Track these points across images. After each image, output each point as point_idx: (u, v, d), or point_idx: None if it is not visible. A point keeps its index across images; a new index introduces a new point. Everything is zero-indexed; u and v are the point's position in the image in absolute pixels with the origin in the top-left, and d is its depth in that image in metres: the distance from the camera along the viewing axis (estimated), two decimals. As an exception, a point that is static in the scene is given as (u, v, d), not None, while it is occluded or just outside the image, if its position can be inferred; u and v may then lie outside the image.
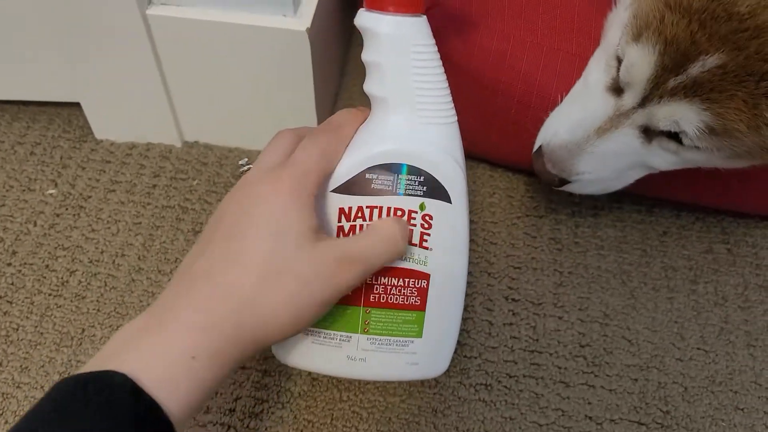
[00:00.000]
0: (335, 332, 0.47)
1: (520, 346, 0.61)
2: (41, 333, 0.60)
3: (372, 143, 0.44)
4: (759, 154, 0.50)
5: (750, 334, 0.62)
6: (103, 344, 0.59)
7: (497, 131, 0.67)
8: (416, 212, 0.44)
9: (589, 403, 0.58)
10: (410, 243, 0.45)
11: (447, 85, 0.45)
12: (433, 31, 0.62)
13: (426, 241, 0.45)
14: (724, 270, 0.66)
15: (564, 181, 0.57)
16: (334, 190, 0.44)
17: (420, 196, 0.44)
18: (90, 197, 0.70)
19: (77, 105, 0.73)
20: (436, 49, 0.44)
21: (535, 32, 0.62)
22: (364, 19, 0.43)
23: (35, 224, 0.67)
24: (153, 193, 0.70)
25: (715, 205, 0.70)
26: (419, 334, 0.47)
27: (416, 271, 0.46)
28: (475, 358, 0.60)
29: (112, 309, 0.62)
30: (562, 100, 0.59)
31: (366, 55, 0.44)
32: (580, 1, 0.62)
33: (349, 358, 0.47)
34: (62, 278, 0.64)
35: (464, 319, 0.62)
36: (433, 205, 0.44)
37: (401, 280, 0.46)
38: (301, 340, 0.47)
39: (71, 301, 0.62)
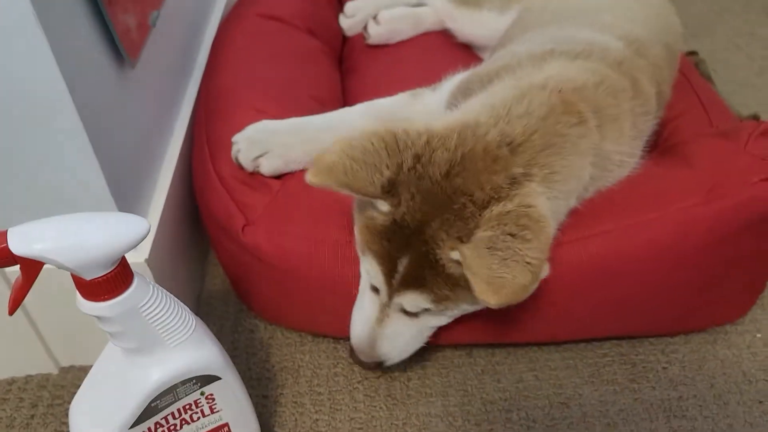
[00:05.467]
0: None
1: (366, 501, 0.69)
2: None
3: (143, 385, 0.56)
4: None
5: (557, 449, 0.73)
6: None
7: (329, 313, 0.79)
8: (200, 398, 0.61)
9: None
10: (203, 415, 0.62)
11: (176, 304, 0.57)
12: (251, 243, 0.75)
13: (214, 408, 0.62)
14: (533, 395, 0.78)
15: (380, 364, 0.72)
16: (131, 428, 0.56)
17: (198, 388, 0.59)
18: (-27, 438, 0.77)
19: (-42, 353, 0.82)
20: (158, 289, 0.55)
21: (329, 230, 0.75)
22: (88, 308, 0.52)
23: None
24: (31, 423, 0.78)
25: (523, 339, 0.82)
26: None
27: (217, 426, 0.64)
28: None
29: None
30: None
31: (105, 327, 0.54)
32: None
33: None
34: None
35: (315, 486, 0.70)
36: (209, 388, 0.60)
37: None
38: None
39: None
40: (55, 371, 0.84)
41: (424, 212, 0.59)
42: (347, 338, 0.85)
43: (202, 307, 0.91)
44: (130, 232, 0.51)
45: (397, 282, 0.62)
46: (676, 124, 0.92)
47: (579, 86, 0.69)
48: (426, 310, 0.66)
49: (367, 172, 0.58)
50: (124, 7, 0.73)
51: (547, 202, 0.62)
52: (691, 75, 1.01)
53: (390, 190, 0.59)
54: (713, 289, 0.79)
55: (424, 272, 0.60)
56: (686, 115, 0.93)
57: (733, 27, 1.53)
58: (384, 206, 0.60)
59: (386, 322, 0.68)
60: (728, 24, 1.54)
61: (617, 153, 0.74)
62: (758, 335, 0.84)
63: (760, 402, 0.76)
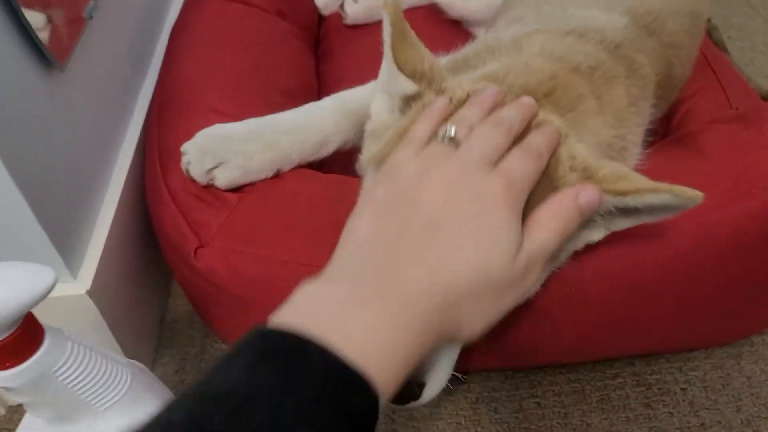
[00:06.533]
0: None
1: None
2: None
3: None
4: None
5: (562, 490, 0.64)
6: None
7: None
8: None
9: None
10: None
11: (104, 360, 0.48)
12: (205, 268, 0.65)
13: None
14: (535, 426, 0.69)
15: None
16: None
17: None
18: None
19: None
20: (78, 347, 0.46)
21: (294, 251, 0.65)
22: None
23: None
24: (-27, 475, 0.70)
25: (523, 364, 0.73)
26: None
27: None
28: None
29: None
30: None
31: (15, 398, 0.45)
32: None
33: None
34: None
35: None
36: None
37: None
38: None
39: None
40: (2, 411, 0.75)
41: None
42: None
43: (166, 332, 0.82)
44: (30, 286, 0.42)
45: None
46: (690, 105, 0.82)
47: (574, 66, 0.59)
48: None
49: None
50: (45, -1, 0.63)
51: None
52: (704, 46, 0.90)
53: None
54: (737, 299, 0.69)
55: None
56: (701, 94, 0.83)
57: (748, -13, 1.40)
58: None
59: None
60: (743, -16, 1.41)
61: (617, 137, 0.63)
62: (789, 345, 0.75)
63: (795, 427, 0.67)
